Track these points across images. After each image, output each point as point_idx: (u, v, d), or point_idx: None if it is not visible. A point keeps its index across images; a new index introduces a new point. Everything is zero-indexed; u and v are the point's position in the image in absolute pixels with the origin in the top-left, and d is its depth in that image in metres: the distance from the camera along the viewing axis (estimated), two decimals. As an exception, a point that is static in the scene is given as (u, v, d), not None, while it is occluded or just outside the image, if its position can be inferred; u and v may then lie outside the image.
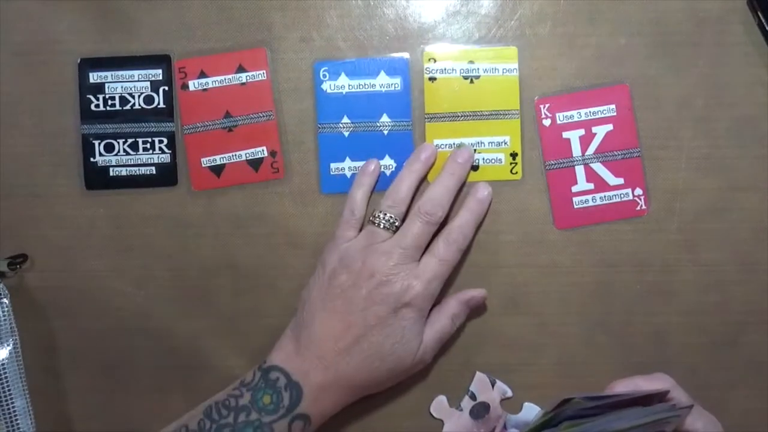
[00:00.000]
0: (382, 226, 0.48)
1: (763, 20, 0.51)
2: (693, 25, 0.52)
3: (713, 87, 0.52)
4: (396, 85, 0.52)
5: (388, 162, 0.52)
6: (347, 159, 0.52)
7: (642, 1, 0.52)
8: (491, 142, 0.52)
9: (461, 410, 0.52)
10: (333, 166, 0.53)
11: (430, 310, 0.49)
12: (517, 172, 0.52)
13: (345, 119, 0.52)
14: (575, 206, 0.52)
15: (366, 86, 0.52)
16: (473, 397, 0.52)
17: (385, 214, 0.48)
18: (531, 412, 0.52)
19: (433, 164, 0.51)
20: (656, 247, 0.52)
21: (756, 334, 0.52)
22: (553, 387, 0.52)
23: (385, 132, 0.52)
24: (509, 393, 0.52)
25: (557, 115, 0.52)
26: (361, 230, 0.50)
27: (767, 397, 0.52)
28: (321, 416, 0.46)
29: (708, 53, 0.52)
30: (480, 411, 0.52)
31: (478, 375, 0.52)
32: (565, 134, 0.52)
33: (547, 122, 0.52)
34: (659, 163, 0.52)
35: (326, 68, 0.52)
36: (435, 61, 0.52)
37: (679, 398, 0.44)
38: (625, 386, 0.43)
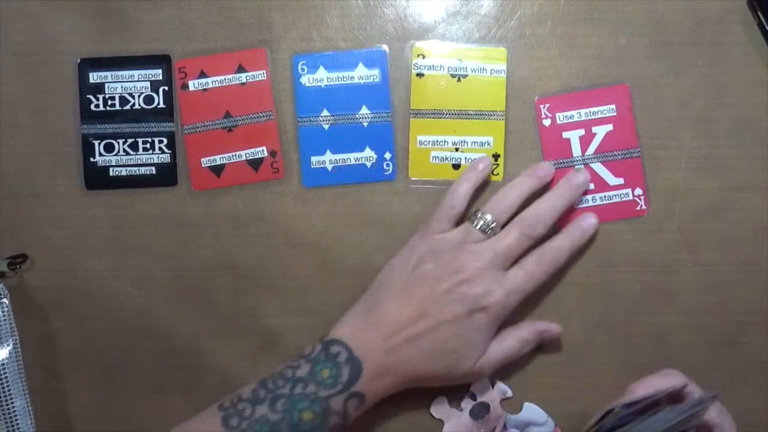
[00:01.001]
0: (479, 228, 0.48)
1: (763, 20, 0.51)
2: (693, 25, 0.52)
3: (713, 87, 0.52)
4: (374, 77, 0.52)
5: (369, 154, 0.52)
6: (327, 152, 0.52)
7: (642, 1, 0.52)
8: (474, 142, 0.52)
9: (461, 410, 0.52)
10: (314, 159, 0.52)
11: (503, 328, 0.49)
12: (498, 174, 0.52)
13: (324, 112, 0.52)
14: (576, 206, 0.52)
15: (344, 78, 0.52)
16: (473, 397, 0.52)
17: (486, 217, 0.48)
18: (531, 412, 0.52)
19: (548, 182, 0.50)
20: (656, 247, 0.52)
21: (756, 334, 0.52)
22: (553, 387, 0.52)
23: (365, 124, 0.52)
24: (509, 393, 0.52)
25: (557, 115, 0.52)
26: (457, 225, 0.49)
27: (767, 397, 0.52)
28: (375, 398, 0.46)
29: (708, 53, 0.52)
30: (480, 411, 0.52)
31: (478, 375, 0.52)
32: (565, 134, 0.52)
33: (547, 122, 0.52)
34: (659, 163, 0.52)
35: (304, 62, 0.52)
36: (424, 57, 0.52)
37: (693, 391, 0.44)
38: (644, 388, 0.43)
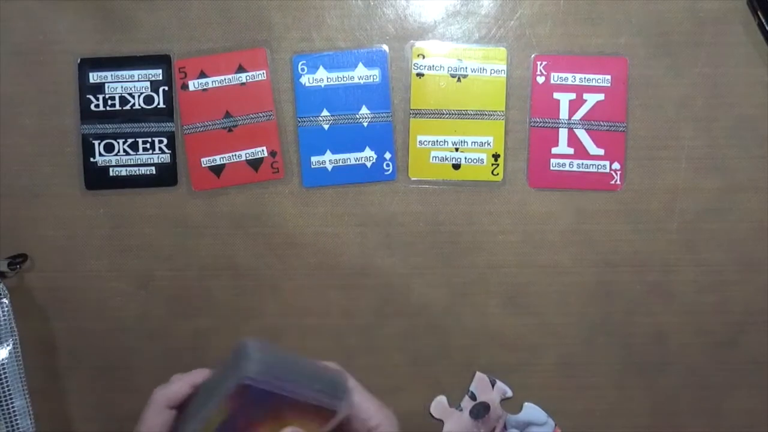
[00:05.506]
0: None
1: (763, 20, 0.51)
2: (693, 25, 0.52)
3: (713, 87, 0.52)
4: (375, 77, 0.52)
5: (368, 154, 0.52)
6: (327, 152, 0.52)
7: (642, 1, 0.52)
8: (474, 142, 0.52)
9: (461, 410, 0.52)
10: (314, 159, 0.52)
11: None
12: (498, 174, 0.52)
13: (324, 112, 0.52)
14: (551, 168, 0.52)
15: (344, 79, 0.52)
16: (473, 397, 0.52)
17: None
18: (531, 412, 0.52)
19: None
20: (656, 247, 0.52)
21: (756, 334, 0.52)
22: (553, 387, 0.52)
23: (365, 124, 0.52)
24: (509, 393, 0.52)
25: (552, 74, 0.52)
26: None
27: (767, 397, 0.52)
28: None
29: (708, 53, 0.52)
30: (480, 411, 0.52)
31: (478, 375, 0.52)
32: (556, 95, 0.52)
33: (540, 79, 0.52)
34: (659, 163, 0.52)
35: (304, 62, 0.52)
36: (424, 57, 0.52)
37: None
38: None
